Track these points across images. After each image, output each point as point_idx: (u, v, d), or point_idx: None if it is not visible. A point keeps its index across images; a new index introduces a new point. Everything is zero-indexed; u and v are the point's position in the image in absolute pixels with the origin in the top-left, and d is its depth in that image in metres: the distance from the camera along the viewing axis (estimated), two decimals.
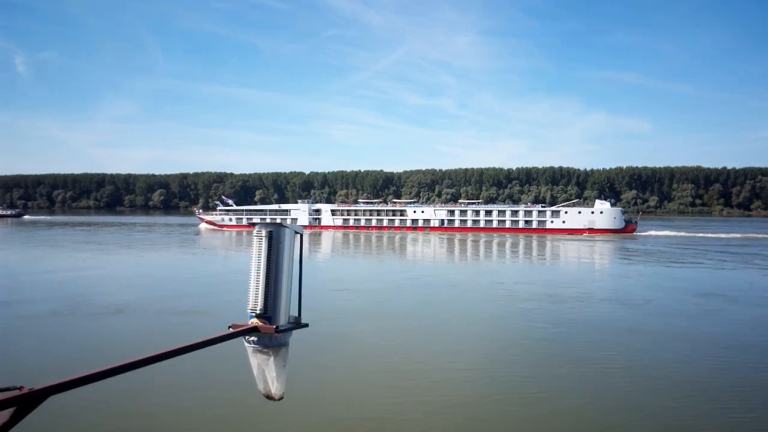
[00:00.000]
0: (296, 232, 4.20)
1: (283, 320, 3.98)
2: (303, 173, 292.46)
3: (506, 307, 30.31)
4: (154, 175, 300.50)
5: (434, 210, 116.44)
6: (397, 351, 21.13)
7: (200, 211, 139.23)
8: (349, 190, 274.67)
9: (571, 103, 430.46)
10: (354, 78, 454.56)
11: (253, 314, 3.93)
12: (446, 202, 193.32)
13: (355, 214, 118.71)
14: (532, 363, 19.74)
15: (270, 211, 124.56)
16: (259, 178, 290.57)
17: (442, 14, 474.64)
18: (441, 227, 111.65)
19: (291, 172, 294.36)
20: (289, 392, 4.03)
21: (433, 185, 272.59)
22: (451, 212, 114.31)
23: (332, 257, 64.19)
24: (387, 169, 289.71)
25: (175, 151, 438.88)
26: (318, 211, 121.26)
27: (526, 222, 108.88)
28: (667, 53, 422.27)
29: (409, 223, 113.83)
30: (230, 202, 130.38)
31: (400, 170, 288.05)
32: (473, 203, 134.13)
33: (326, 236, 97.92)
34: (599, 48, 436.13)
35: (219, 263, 56.91)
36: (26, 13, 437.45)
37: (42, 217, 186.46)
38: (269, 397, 3.97)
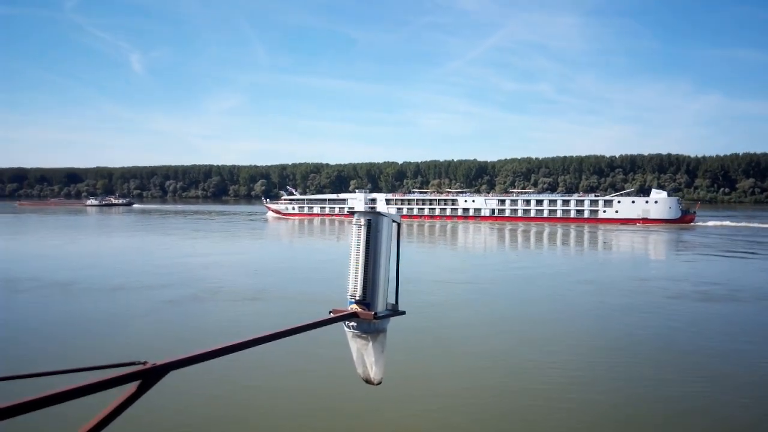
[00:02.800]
0: (394, 221, 4.16)
1: (381, 307, 4.01)
2: (396, 163, 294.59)
3: (604, 301, 28.84)
4: (256, 166, 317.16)
5: (485, 199, 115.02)
6: (488, 343, 20.98)
7: (267, 200, 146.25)
8: (442, 179, 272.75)
9: (681, 85, 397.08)
10: (448, 66, 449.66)
11: (353, 300, 3.99)
12: (542, 191, 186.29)
13: (408, 203, 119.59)
14: (651, 365, 18.82)
15: (329, 200, 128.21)
16: (354, 168, 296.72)
17: None
18: (492, 216, 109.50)
19: (384, 162, 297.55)
20: (387, 378, 4.04)
21: (528, 174, 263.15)
22: (502, 201, 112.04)
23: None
24: (481, 158, 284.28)
25: (276, 143, 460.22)
26: (373, 200, 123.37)
27: (578, 212, 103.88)
28: None
29: (460, 212, 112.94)
30: (294, 191, 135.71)
31: (494, 159, 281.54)
32: (524, 192, 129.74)
33: None
34: (714, 24, 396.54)
35: (309, 250, 60.18)
36: (140, 14, 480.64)
37: (150, 206, 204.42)
38: (368, 381, 3.99)
